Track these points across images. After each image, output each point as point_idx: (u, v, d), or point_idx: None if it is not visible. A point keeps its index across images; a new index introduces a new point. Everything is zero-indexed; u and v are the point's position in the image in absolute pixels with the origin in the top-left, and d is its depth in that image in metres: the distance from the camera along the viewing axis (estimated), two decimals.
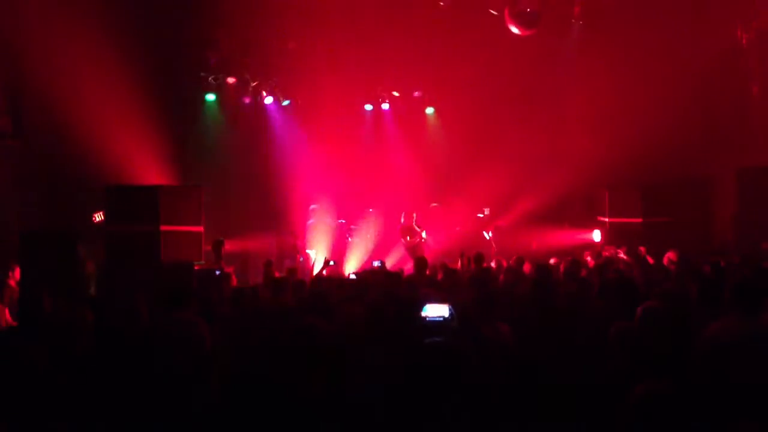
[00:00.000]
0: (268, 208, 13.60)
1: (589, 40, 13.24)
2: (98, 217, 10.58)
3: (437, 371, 2.90)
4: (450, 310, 4.49)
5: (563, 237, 13.38)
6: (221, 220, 11.57)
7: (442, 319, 4.46)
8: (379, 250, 13.44)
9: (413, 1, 12.46)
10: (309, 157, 13.97)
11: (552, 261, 9.92)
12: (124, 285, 7.48)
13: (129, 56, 11.00)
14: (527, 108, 14.17)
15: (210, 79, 13.49)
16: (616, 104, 12.92)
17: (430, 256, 12.59)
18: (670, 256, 9.05)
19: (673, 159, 12.33)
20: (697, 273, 6.97)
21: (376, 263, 10.83)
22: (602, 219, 13.13)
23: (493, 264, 10.17)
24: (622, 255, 10.46)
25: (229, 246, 10.41)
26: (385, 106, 15.04)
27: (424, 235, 13.14)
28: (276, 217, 13.50)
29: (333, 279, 8.92)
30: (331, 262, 11.03)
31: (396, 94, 14.90)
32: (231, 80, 13.65)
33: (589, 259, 10.68)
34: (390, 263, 11.55)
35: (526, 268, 9.62)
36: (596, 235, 13.15)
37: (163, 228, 9.11)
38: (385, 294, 6.53)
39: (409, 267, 10.13)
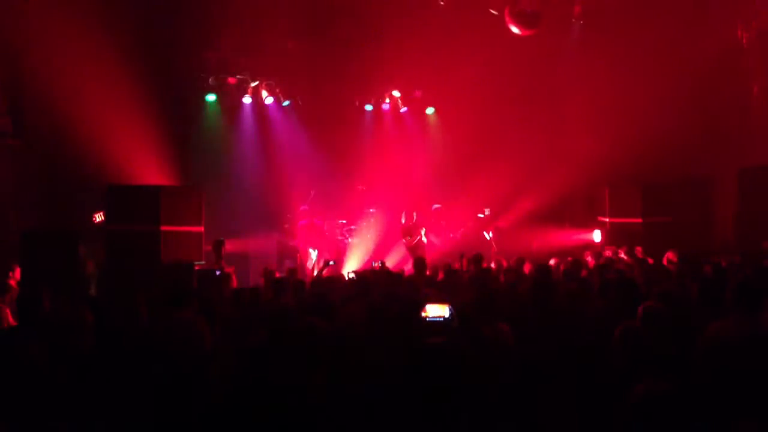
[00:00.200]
0: (269, 208, 13.60)
1: (590, 40, 13.24)
2: (98, 217, 10.60)
3: (437, 371, 2.90)
4: (450, 310, 4.48)
5: (563, 237, 13.38)
6: (221, 220, 11.56)
7: (442, 319, 4.46)
8: (380, 250, 13.43)
9: (413, 1, 12.45)
10: (309, 157, 13.97)
11: (552, 261, 9.92)
12: (125, 285, 7.49)
13: (129, 56, 11.01)
14: (527, 108, 14.17)
15: (210, 79, 13.49)
16: (617, 104, 12.92)
17: (432, 256, 12.62)
18: (669, 256, 9.05)
19: (673, 159, 12.32)
20: (698, 273, 6.97)
21: (376, 263, 10.82)
22: (602, 219, 13.13)
23: (492, 264, 10.17)
24: (622, 255, 10.46)
25: (229, 246, 10.41)
26: (386, 106, 15.04)
27: (423, 234, 13.12)
28: (276, 218, 13.50)
29: (333, 279, 8.92)
30: (331, 263, 11.03)
31: (396, 94, 14.90)
32: (231, 80, 13.65)
33: (589, 259, 10.68)
34: (390, 263, 11.54)
35: (527, 268, 9.62)
36: (596, 235, 13.15)
37: (164, 228, 9.13)
38: (386, 294, 6.54)
39: (409, 267, 10.13)
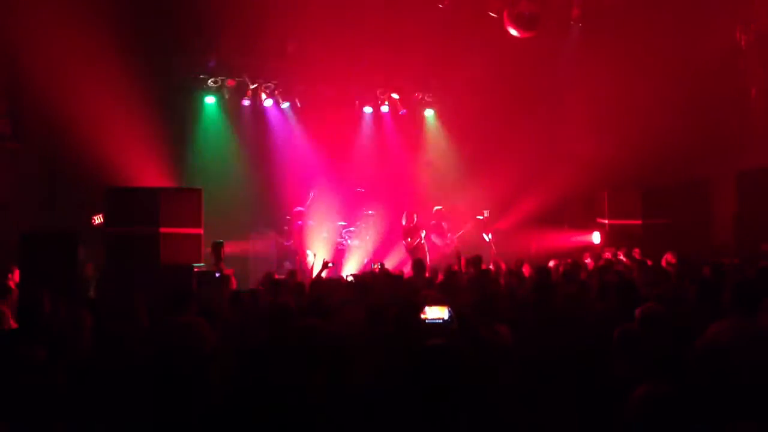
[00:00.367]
0: (268, 210, 13.61)
1: (588, 43, 13.26)
2: (98, 219, 10.59)
3: (436, 373, 2.91)
4: (449, 312, 4.49)
5: (563, 239, 13.39)
6: (221, 223, 11.56)
7: (441, 321, 4.46)
8: (379, 252, 13.44)
9: (412, 3, 12.46)
10: (308, 159, 13.98)
11: (551, 263, 9.93)
12: (124, 287, 7.48)
13: (128, 59, 11.00)
14: (526, 110, 14.18)
15: (209, 81, 13.51)
16: (615, 106, 12.95)
17: (433, 258, 12.63)
18: (668, 257, 9.07)
19: (672, 161, 12.34)
20: (697, 274, 6.97)
21: (375, 265, 10.83)
22: (602, 221, 13.14)
23: (492, 266, 10.17)
24: (621, 257, 10.46)
25: (228, 248, 10.40)
26: (385, 108, 15.06)
27: (422, 235, 13.13)
28: (275, 220, 13.50)
29: (332, 281, 8.92)
30: (330, 264, 11.02)
31: (395, 96, 14.91)
32: (230, 83, 13.66)
33: (588, 261, 10.69)
34: (389, 265, 11.55)
35: (526, 270, 9.63)
36: (596, 237, 13.16)
37: (163, 230, 9.10)
38: (386, 296, 6.55)
39: (408, 269, 10.13)
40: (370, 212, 14.00)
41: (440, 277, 8.77)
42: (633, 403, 2.59)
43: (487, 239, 13.35)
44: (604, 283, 6.33)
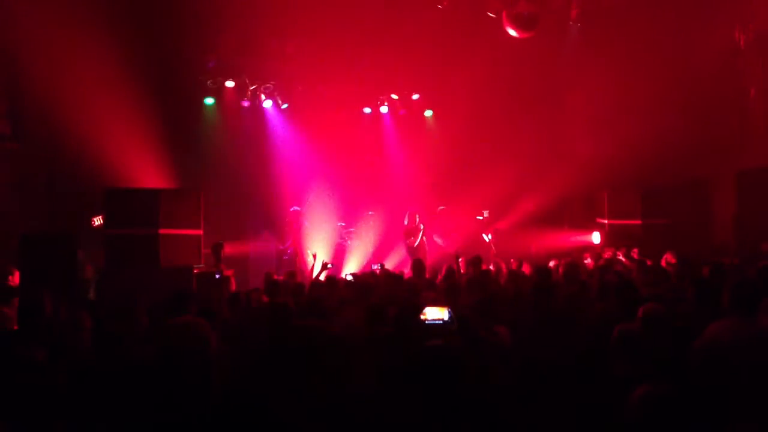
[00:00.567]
0: (267, 211, 13.61)
1: (587, 43, 13.26)
2: (97, 220, 10.59)
3: (436, 373, 2.91)
4: (449, 313, 4.49)
5: (563, 239, 13.39)
6: (220, 224, 11.57)
7: (441, 322, 4.46)
8: (378, 252, 13.44)
9: (411, 3, 12.46)
10: (307, 160, 13.98)
11: (552, 263, 9.93)
12: (124, 288, 7.48)
13: (128, 60, 11.00)
14: (526, 110, 14.19)
15: (208, 82, 13.51)
16: (615, 106, 12.95)
17: (434, 258, 12.63)
18: (667, 257, 9.07)
19: (672, 161, 12.33)
20: (696, 274, 6.97)
21: (375, 266, 10.83)
22: (601, 221, 13.14)
23: (492, 267, 10.17)
24: (620, 257, 10.46)
25: (228, 249, 10.41)
26: (384, 109, 15.06)
27: (421, 236, 13.13)
28: (275, 221, 13.50)
29: (331, 282, 8.91)
30: (329, 265, 11.02)
31: (394, 96, 14.91)
32: (230, 84, 13.67)
33: (588, 261, 10.69)
34: (389, 265, 11.55)
35: (526, 269, 9.63)
36: (596, 237, 13.16)
37: (162, 231, 9.11)
38: (386, 297, 6.55)
39: (409, 269, 10.13)
40: (369, 213, 14.01)
41: (440, 277, 8.77)
42: (633, 404, 2.58)
43: (487, 239, 13.35)
44: (604, 283, 6.33)
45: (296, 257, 12.86)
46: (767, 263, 6.55)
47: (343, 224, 13.94)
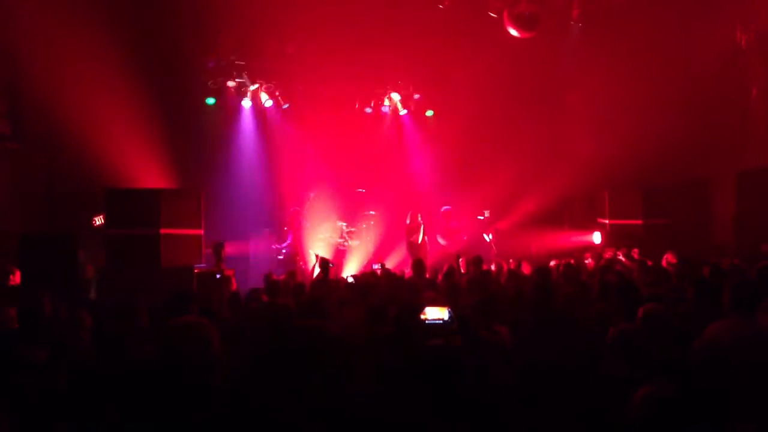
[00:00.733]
0: (268, 210, 13.61)
1: (588, 43, 13.26)
2: (98, 220, 10.59)
3: (436, 373, 2.91)
4: (449, 313, 4.49)
5: (563, 239, 13.39)
6: (221, 223, 11.57)
7: (441, 321, 4.46)
8: (379, 252, 13.44)
9: (412, 3, 12.47)
10: (308, 159, 13.98)
11: (552, 263, 9.93)
12: (124, 288, 7.48)
13: (129, 60, 11.01)
14: (527, 110, 14.19)
15: (209, 82, 13.51)
16: (616, 106, 12.96)
17: (434, 258, 12.62)
18: (668, 257, 9.07)
19: (672, 161, 12.34)
20: (696, 274, 6.97)
21: (376, 266, 10.83)
22: (602, 221, 13.14)
23: (493, 267, 10.17)
24: (621, 257, 10.46)
25: (229, 249, 10.41)
26: (385, 108, 15.06)
27: (422, 235, 13.12)
28: (274, 221, 13.50)
29: (332, 282, 8.92)
30: (330, 265, 11.02)
31: (396, 96, 14.91)
32: (230, 84, 13.67)
33: (589, 261, 10.69)
34: (390, 265, 11.55)
35: (526, 269, 9.63)
36: (596, 237, 13.16)
37: (163, 231, 9.10)
38: (386, 297, 6.55)
39: (409, 269, 10.13)
40: (370, 213, 14.01)
41: (440, 277, 8.77)
42: (634, 404, 2.58)
43: (488, 239, 13.35)
44: (605, 284, 6.33)
45: (296, 256, 12.86)
46: (767, 263, 6.54)
47: (344, 224, 13.94)
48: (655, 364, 3.79)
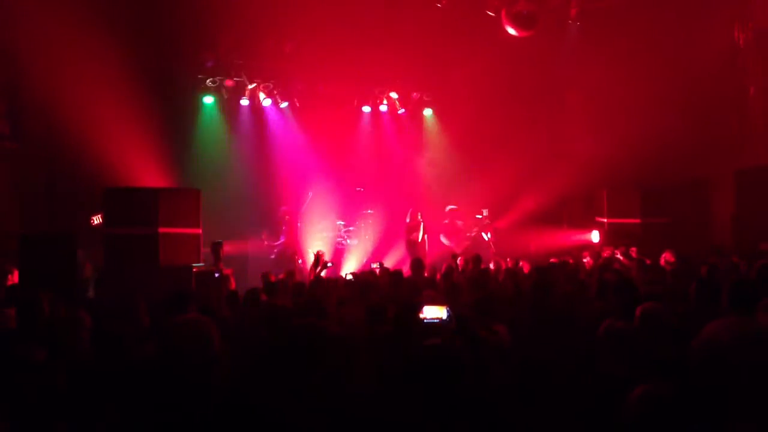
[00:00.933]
0: (267, 210, 13.60)
1: (586, 42, 13.27)
2: (96, 219, 10.58)
3: (435, 372, 2.91)
4: (448, 312, 4.49)
5: (562, 238, 13.40)
6: (220, 222, 11.56)
7: (440, 320, 4.46)
8: (378, 251, 13.45)
9: (411, 2, 12.46)
10: (307, 158, 13.98)
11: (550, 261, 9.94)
12: (123, 288, 7.47)
13: (127, 59, 11.00)
14: (525, 109, 14.20)
15: (208, 81, 13.50)
16: (614, 105, 12.96)
17: (435, 256, 12.63)
18: (666, 256, 9.08)
19: (671, 160, 12.35)
20: (695, 273, 6.98)
21: (374, 265, 10.83)
22: (601, 220, 13.15)
23: (492, 265, 10.18)
24: (619, 256, 10.47)
25: (227, 248, 10.40)
26: (383, 107, 15.06)
27: (422, 232, 13.13)
28: (274, 219, 13.50)
29: (331, 281, 8.92)
30: (329, 264, 11.02)
31: (394, 95, 14.91)
32: (229, 83, 13.66)
33: (587, 259, 10.70)
34: (388, 264, 11.56)
35: (525, 268, 9.65)
36: (595, 236, 13.17)
37: (162, 230, 9.09)
38: (385, 296, 6.55)
39: (408, 268, 10.14)
40: (369, 211, 14.01)
41: (439, 275, 8.78)
42: (631, 403, 2.59)
43: (486, 238, 13.35)
44: (603, 282, 6.33)
45: (294, 255, 12.85)
46: (766, 262, 6.55)
47: (343, 223, 13.94)
48: (647, 361, 3.80)
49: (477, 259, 9.57)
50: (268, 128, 14.36)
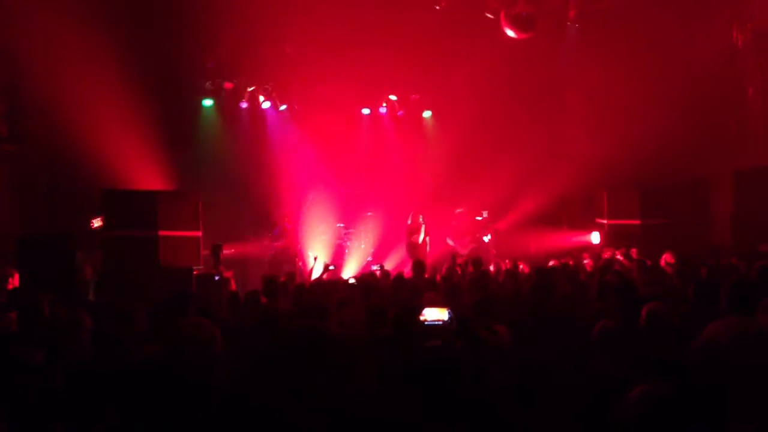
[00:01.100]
0: (266, 212, 13.60)
1: (585, 43, 13.28)
2: (97, 222, 10.58)
3: (435, 374, 2.91)
4: (449, 313, 4.49)
5: (562, 239, 13.40)
6: (219, 225, 11.56)
7: (440, 322, 4.46)
8: (378, 253, 13.44)
9: (410, 4, 12.47)
10: (306, 161, 13.98)
11: (551, 263, 9.94)
12: (123, 290, 7.48)
13: (126, 61, 11.01)
14: (525, 111, 14.19)
15: (207, 84, 13.51)
16: (614, 106, 12.96)
17: (435, 258, 12.62)
18: (666, 257, 9.07)
19: (671, 160, 12.34)
20: (695, 274, 6.98)
21: (375, 267, 10.83)
22: (601, 221, 13.14)
23: (492, 267, 10.18)
24: (619, 257, 10.47)
25: (227, 250, 10.40)
26: (383, 109, 15.06)
27: (423, 233, 13.13)
28: (274, 222, 13.50)
29: (332, 283, 8.92)
30: (331, 267, 11.03)
31: (393, 97, 14.92)
32: (228, 85, 13.66)
33: (587, 261, 10.69)
34: (388, 266, 11.56)
35: (524, 270, 9.65)
36: (595, 237, 13.16)
37: (161, 233, 9.10)
38: (385, 298, 6.55)
39: (408, 270, 10.14)
40: (369, 214, 14.01)
41: (439, 277, 8.79)
42: (630, 403, 2.58)
43: (486, 240, 13.35)
44: (603, 283, 6.33)
45: (294, 257, 12.85)
46: (765, 263, 6.55)
47: (342, 225, 13.94)
48: (643, 361, 3.80)
49: (477, 261, 9.57)
50: (268, 131, 14.36)
